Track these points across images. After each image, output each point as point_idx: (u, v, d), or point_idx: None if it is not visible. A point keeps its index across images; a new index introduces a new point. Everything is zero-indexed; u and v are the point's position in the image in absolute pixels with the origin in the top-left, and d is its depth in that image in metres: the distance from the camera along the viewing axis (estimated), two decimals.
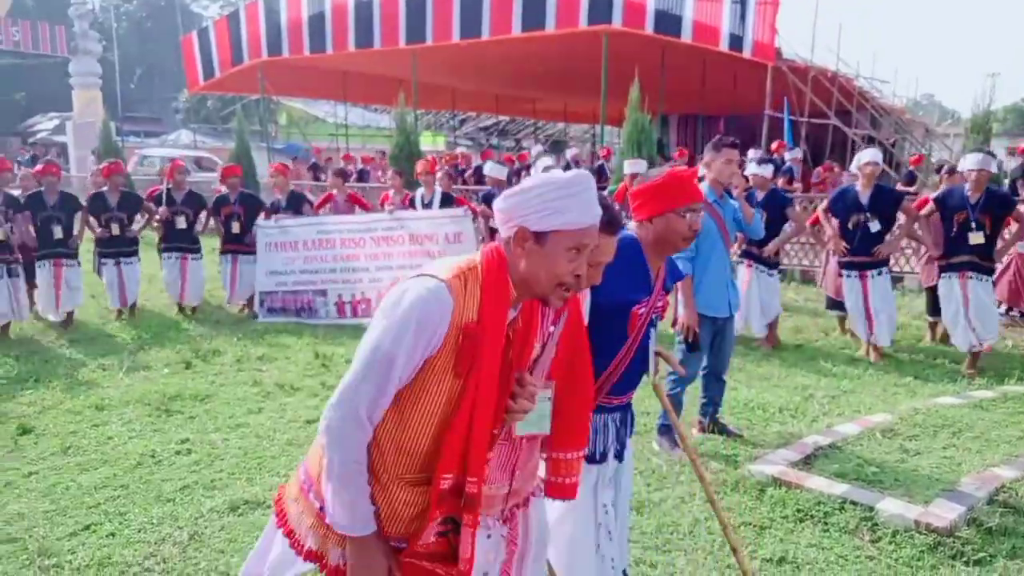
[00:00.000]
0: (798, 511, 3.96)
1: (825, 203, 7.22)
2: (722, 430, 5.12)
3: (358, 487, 1.83)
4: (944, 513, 3.76)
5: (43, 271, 8.10)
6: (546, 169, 8.52)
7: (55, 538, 3.78)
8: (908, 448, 4.63)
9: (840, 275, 7.12)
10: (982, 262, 6.46)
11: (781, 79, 13.64)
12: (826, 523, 3.85)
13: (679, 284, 4.27)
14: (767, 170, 7.52)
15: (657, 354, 2.96)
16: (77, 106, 27.04)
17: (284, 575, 2.07)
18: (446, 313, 1.75)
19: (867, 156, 6.78)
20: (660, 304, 2.80)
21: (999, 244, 6.57)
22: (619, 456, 2.84)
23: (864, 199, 6.69)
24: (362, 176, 17.58)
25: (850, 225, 6.79)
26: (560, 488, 2.30)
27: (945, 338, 7.15)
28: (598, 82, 14.44)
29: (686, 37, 13.52)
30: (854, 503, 3.94)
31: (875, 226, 6.69)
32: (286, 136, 33.26)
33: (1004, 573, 3.42)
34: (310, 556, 1.99)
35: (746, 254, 7.53)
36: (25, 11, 36.28)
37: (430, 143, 33.99)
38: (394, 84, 15.75)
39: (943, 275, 6.67)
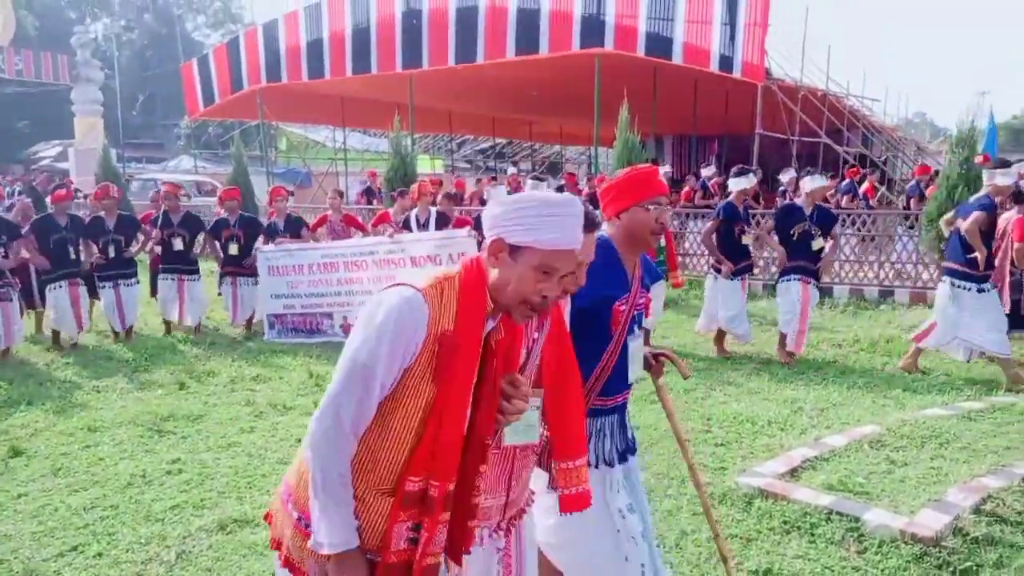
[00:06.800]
0: (784, 523, 3.96)
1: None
2: None
3: (343, 500, 1.81)
4: (930, 523, 3.76)
5: (60, 291, 8.23)
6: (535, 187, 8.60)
7: (41, 559, 3.78)
8: (895, 459, 4.62)
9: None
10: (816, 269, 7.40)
11: (772, 99, 13.76)
12: (812, 534, 3.85)
13: None
14: (751, 181, 7.62)
15: (663, 356, 2.94)
16: (78, 133, 27.21)
17: None
18: (421, 321, 1.76)
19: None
20: (642, 301, 2.78)
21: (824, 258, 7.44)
22: (623, 459, 2.81)
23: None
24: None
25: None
26: (574, 499, 2.22)
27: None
28: (592, 104, 14.59)
29: (677, 59, 13.66)
30: (840, 514, 3.93)
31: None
32: (286, 161, 33.43)
33: None
34: (288, 564, 1.95)
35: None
36: (28, 40, 36.63)
37: (428, 167, 34.16)
38: (392, 108, 15.85)
39: (783, 279, 7.51)
